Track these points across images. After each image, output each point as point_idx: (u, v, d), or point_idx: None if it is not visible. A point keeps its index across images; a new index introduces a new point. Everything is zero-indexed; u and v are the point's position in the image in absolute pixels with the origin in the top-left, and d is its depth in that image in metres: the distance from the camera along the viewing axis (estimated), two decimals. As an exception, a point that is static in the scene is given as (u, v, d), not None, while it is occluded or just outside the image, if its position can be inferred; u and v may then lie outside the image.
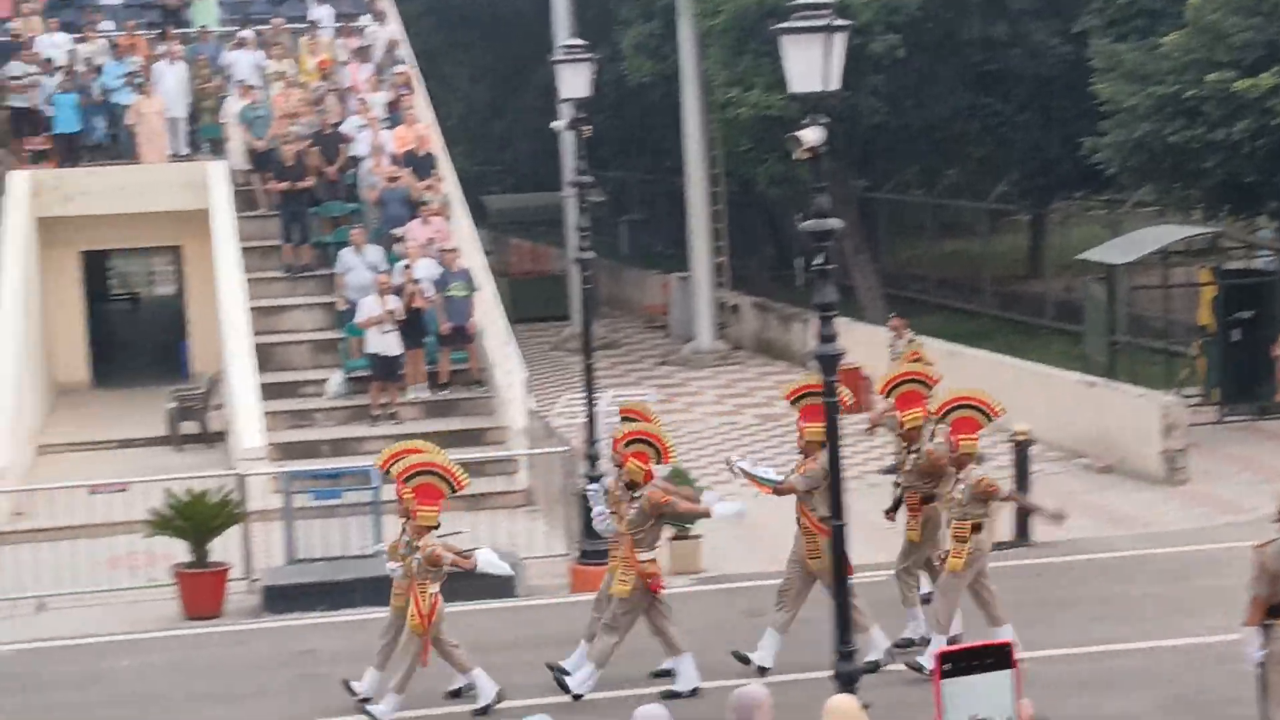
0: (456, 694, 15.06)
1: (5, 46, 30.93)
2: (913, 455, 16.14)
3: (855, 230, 32.68)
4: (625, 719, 11.68)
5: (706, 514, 15.43)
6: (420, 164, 28.33)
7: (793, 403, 15.62)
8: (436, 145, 29.43)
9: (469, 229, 28.38)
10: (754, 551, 19.72)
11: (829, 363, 12.39)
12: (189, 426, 26.10)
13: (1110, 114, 26.96)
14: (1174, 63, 25.77)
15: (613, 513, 15.34)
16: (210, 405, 26.42)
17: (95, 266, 34.26)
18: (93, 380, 30.35)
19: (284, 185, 28.04)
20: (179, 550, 19.00)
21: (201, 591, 18.63)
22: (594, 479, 18.16)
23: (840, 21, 11.83)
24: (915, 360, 18.98)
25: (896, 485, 16.53)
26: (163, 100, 29.49)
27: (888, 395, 16.62)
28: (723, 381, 31.51)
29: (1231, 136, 25.04)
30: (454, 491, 14.78)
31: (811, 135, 11.83)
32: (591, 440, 19.49)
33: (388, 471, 14.94)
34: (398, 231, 27.08)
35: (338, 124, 28.95)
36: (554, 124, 23.68)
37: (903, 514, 16.33)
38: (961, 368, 26.31)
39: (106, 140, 30.07)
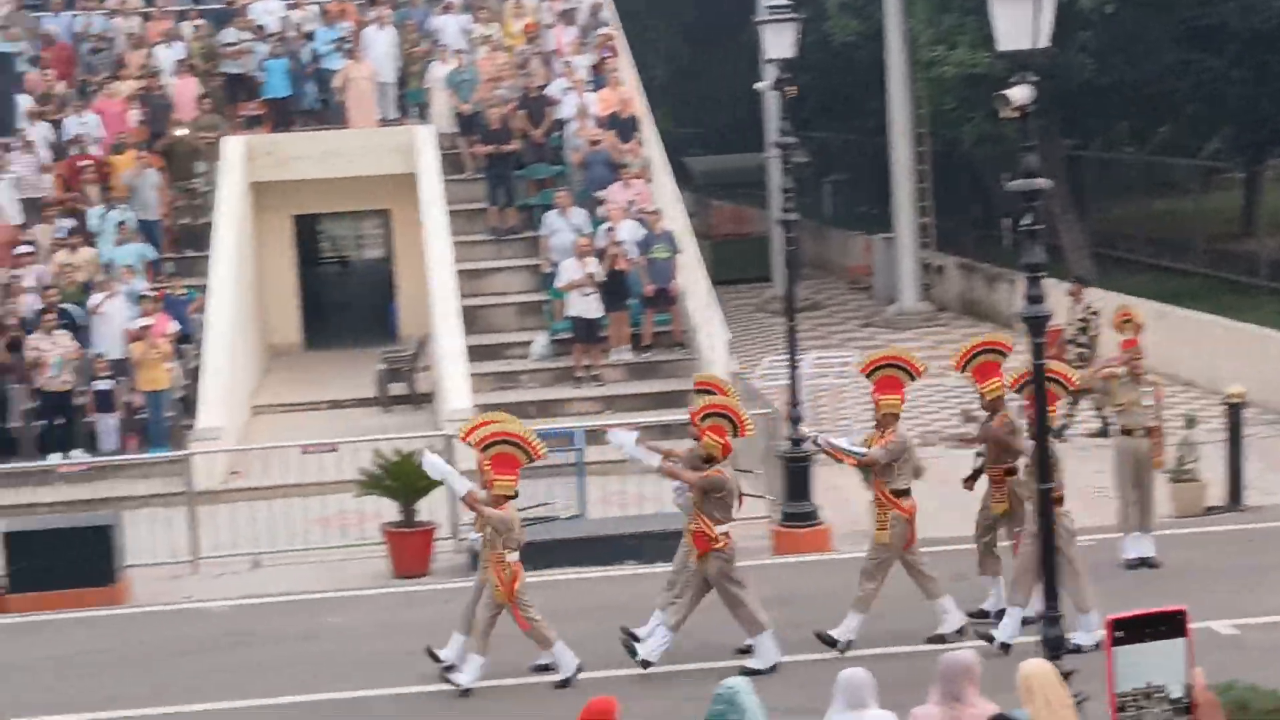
0: (544, 668, 15.02)
1: (221, 13, 31.56)
2: (990, 425, 15.91)
3: (1062, 189, 32.15)
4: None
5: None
6: (624, 126, 28.42)
7: (868, 375, 15.64)
8: (640, 107, 29.50)
9: (671, 191, 28.42)
10: (961, 513, 19.55)
11: (1036, 324, 12.22)
12: (397, 388, 26.49)
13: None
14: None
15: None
16: (418, 367, 26.79)
17: (306, 230, 34.85)
18: (304, 342, 30.92)
19: (490, 148, 28.31)
20: (388, 510, 19.34)
21: (410, 550, 18.93)
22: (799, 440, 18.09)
23: (1049, -23, 11.63)
24: (1126, 321, 18.67)
25: (979, 455, 16.27)
26: (372, 65, 29.90)
27: (963, 369, 16.39)
28: (927, 343, 31.21)
29: None
30: (530, 461, 14.79)
31: (1019, 94, 11.65)
32: (794, 402, 19.46)
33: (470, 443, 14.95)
34: (602, 193, 27.22)
35: (543, 87, 29.14)
36: (758, 85, 23.64)
37: (983, 485, 16.11)
38: (1172, 328, 25.85)
39: (317, 105, 30.57)
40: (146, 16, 31.36)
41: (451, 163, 29.24)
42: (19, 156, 27.49)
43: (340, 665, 15.76)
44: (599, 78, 29.60)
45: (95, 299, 24.78)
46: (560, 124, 28.81)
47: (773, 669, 14.71)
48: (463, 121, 29.29)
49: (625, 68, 30.81)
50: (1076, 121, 35.76)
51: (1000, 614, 15.15)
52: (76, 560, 18.37)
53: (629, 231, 25.90)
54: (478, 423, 15.11)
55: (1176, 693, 4.95)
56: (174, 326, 24.60)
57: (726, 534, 14.88)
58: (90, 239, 26.55)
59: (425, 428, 23.04)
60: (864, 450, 15.51)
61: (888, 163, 34.68)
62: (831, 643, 15.11)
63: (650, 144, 28.98)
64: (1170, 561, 17.31)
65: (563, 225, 26.50)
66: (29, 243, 26.28)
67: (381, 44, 30.28)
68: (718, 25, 42.29)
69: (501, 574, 14.61)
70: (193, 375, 24.69)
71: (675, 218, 27.25)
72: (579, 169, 28.07)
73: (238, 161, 28.50)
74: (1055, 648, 11.99)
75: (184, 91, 29.39)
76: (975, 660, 8.87)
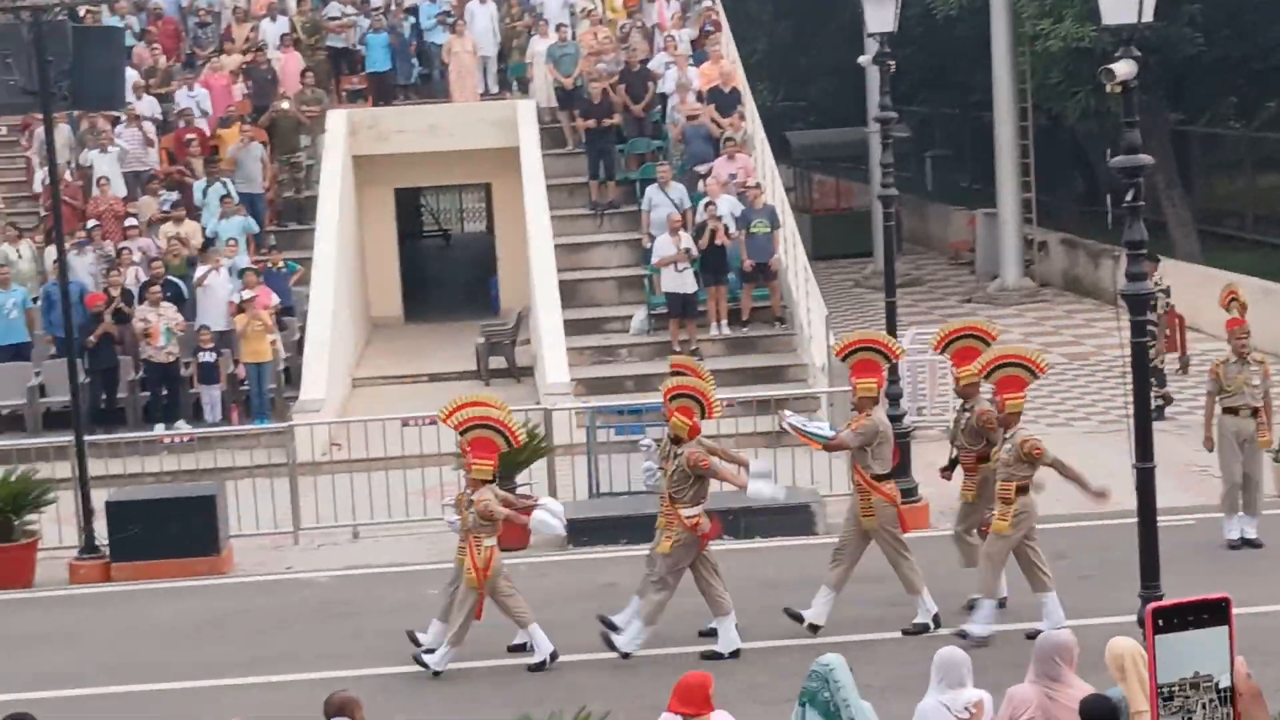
0: (519, 648, 15.03)
1: (324, -13, 31.78)
2: (966, 414, 15.75)
3: (1167, 165, 31.81)
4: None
5: (742, 487, 15.21)
6: (725, 100, 28.36)
7: (844, 359, 15.57)
8: (741, 81, 29.42)
9: (771, 165, 28.35)
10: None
11: (1138, 302, 12.11)
12: (496, 361, 26.59)
13: None
14: None
15: (660, 468, 15.25)
16: (517, 340, 26.88)
17: (408, 204, 35.02)
18: (405, 315, 31.10)
19: (590, 123, 28.34)
20: (488, 482, 19.39)
21: (509, 524, 18.95)
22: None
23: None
24: (1232, 300, 18.42)
25: (953, 444, 16.11)
26: (474, 39, 30.01)
27: (943, 351, 16.23)
28: (1029, 320, 31.00)
29: None
30: (509, 446, 14.75)
31: (1122, 68, 11.53)
32: (893, 379, 19.38)
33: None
34: (701, 168, 27.20)
35: (644, 61, 29.13)
36: (859, 59, 23.53)
37: (959, 474, 15.97)
38: (1277, 306, 25.52)
39: (419, 79, 30.72)
40: (251, -9, 31.63)
41: (552, 137, 29.30)
42: (124, 130, 27.80)
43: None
44: (700, 52, 29.55)
45: (199, 271, 25.05)
46: (661, 98, 28.80)
47: (735, 654, 14.71)
48: (563, 96, 29.34)
49: (726, 41, 30.72)
50: (1183, 96, 35.35)
51: (972, 605, 15.06)
52: (180, 530, 18.61)
53: (728, 206, 25.85)
54: (458, 404, 15.06)
55: (1225, 681, 4.86)
56: (276, 299, 24.82)
57: (696, 517, 14.79)
58: (194, 212, 26.84)
59: (524, 401, 23.12)
60: (831, 433, 15.46)
61: (990, 137, 34.41)
62: (797, 619, 15.09)
63: (750, 118, 28.91)
64: (1274, 542, 17.11)
65: (663, 200, 26.48)
66: (131, 214, 26.61)
67: (483, 18, 30.38)
68: (819, -1, 42.09)
69: (476, 558, 14.61)
70: (295, 348, 24.92)
71: (775, 192, 27.19)
72: (679, 143, 28.06)
73: (340, 135, 28.69)
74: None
75: (288, 65, 29.61)
76: (1072, 639, 8.82)
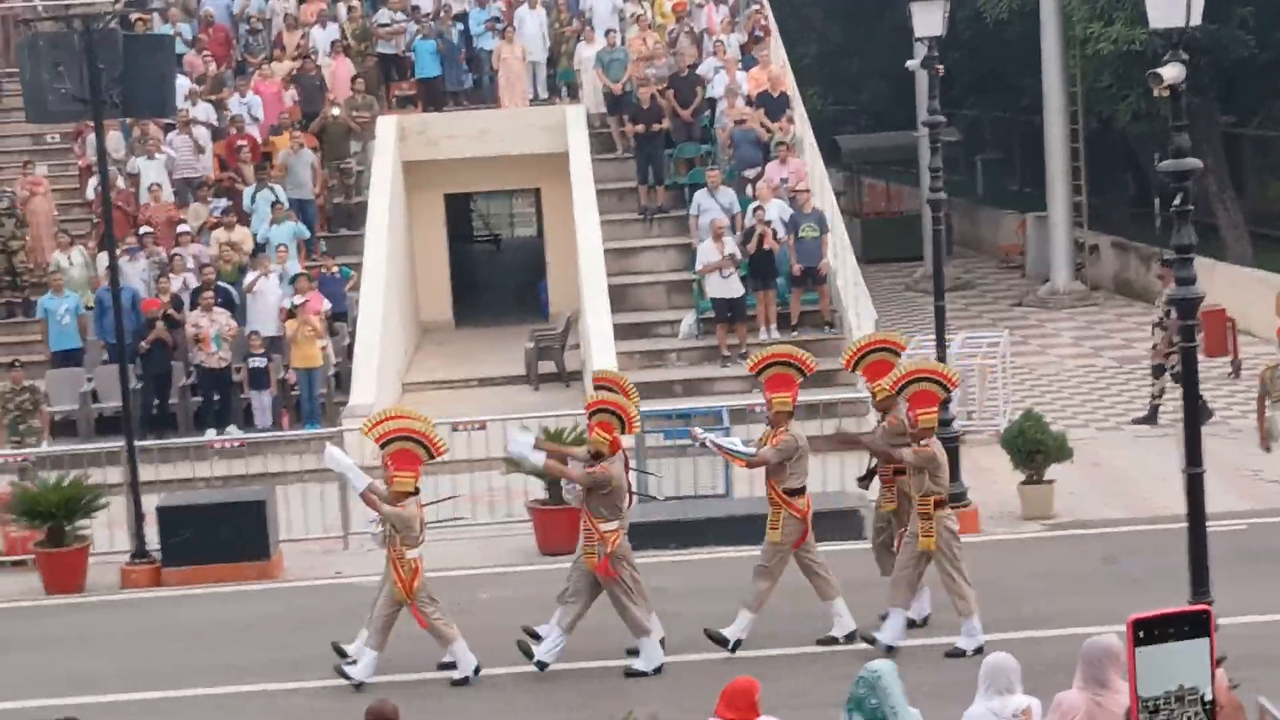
0: (450, 665, 15.02)
1: (375, -6, 31.90)
2: (883, 426, 15.67)
3: (1219, 168, 31.63)
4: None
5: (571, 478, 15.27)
6: (773, 105, 28.34)
7: (756, 374, 15.55)
8: (790, 85, 29.39)
9: (820, 170, 28.31)
10: (1111, 496, 19.34)
11: (1187, 306, 12.04)
12: (546, 365, 26.62)
13: None
14: None
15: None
16: (567, 345, 26.91)
17: (458, 208, 35.11)
18: (455, 320, 31.17)
19: (639, 127, 28.35)
20: (535, 487, 19.45)
21: (556, 528, 19.01)
22: None
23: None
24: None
25: (872, 457, 16.06)
26: (523, 45, 30.07)
27: (854, 368, 16.16)
28: (1080, 323, 30.88)
29: None
30: (431, 458, 14.72)
31: (1170, 72, 11.46)
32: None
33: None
34: (750, 173, 27.18)
35: (694, 66, 29.14)
36: (909, 63, 23.45)
37: (877, 485, 15.98)
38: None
39: (468, 85, 30.80)
40: (302, -2, 31.77)
41: (601, 141, 29.34)
42: (175, 137, 27.96)
43: (493, 640, 15.85)
44: (749, 56, 29.53)
45: (250, 277, 25.18)
46: (710, 103, 28.79)
47: (658, 670, 14.70)
48: (612, 101, 29.36)
49: (776, 46, 30.69)
50: (1235, 98, 35.13)
51: (884, 616, 15.00)
52: (230, 535, 18.71)
53: (777, 210, 25.83)
54: (381, 418, 15.07)
55: (1210, 694, 4.83)
56: (327, 305, 24.92)
57: (615, 531, 14.76)
58: (245, 218, 26.97)
59: (573, 405, 23.13)
60: (753, 451, 15.43)
61: (1040, 140, 34.29)
62: (722, 641, 15.02)
63: (799, 122, 28.88)
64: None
65: (712, 204, 26.47)
66: (183, 221, 26.77)
67: (532, 24, 30.43)
68: (868, 2, 42.00)
69: (401, 571, 14.60)
70: (345, 353, 25.01)
71: (824, 196, 27.15)
72: (727, 148, 28.05)
73: (390, 141, 28.79)
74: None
75: (338, 72, 29.73)
76: (1119, 644, 8.77)
